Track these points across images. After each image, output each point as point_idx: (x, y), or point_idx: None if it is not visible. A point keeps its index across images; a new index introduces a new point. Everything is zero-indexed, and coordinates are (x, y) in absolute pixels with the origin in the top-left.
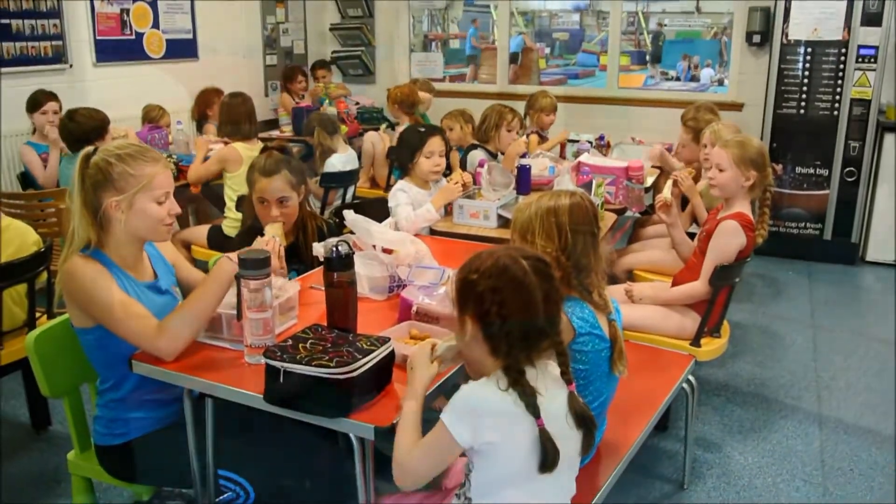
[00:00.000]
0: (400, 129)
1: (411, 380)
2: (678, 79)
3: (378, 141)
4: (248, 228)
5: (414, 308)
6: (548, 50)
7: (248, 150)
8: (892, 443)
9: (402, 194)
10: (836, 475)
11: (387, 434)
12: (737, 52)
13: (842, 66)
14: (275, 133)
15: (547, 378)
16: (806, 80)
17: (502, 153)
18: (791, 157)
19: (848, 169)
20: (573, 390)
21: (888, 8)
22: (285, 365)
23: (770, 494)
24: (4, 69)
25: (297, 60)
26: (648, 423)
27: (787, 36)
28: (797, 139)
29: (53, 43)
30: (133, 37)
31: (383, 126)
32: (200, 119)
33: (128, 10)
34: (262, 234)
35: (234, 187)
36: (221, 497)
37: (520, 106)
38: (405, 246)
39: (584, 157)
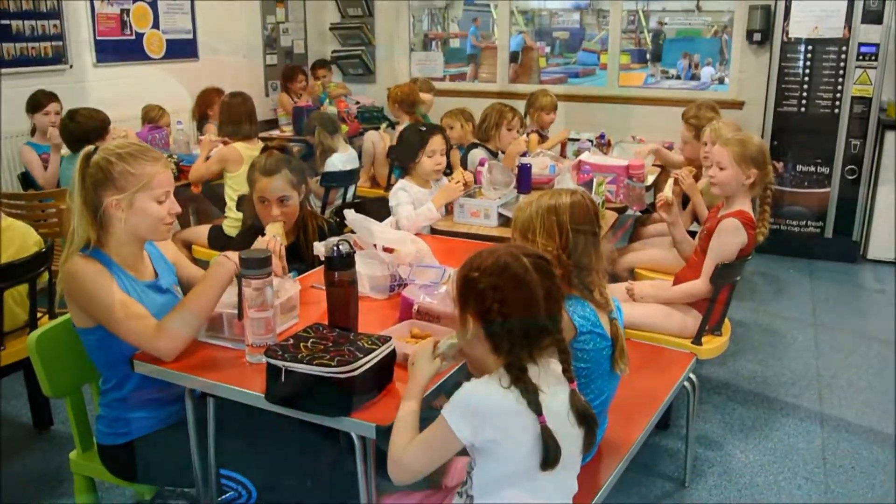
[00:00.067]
0: (400, 128)
1: (412, 376)
2: (678, 77)
3: (378, 140)
4: (249, 228)
5: (415, 307)
6: (548, 49)
7: (248, 150)
8: (893, 441)
9: (403, 193)
10: (837, 473)
11: (388, 433)
12: (737, 50)
13: (842, 64)
14: (275, 133)
15: (549, 375)
16: (807, 78)
17: (503, 152)
18: (792, 154)
19: (849, 167)
20: (575, 388)
21: (889, 5)
22: (287, 364)
23: (771, 492)
24: (4, 70)
25: (298, 60)
26: (650, 422)
27: (787, 34)
28: (798, 137)
29: (53, 43)
30: (133, 37)
31: (384, 125)
32: (201, 119)
33: (128, 11)
34: (263, 234)
35: (234, 187)
36: (223, 496)
37: (520, 105)
38: (406, 245)
39: (584, 156)
